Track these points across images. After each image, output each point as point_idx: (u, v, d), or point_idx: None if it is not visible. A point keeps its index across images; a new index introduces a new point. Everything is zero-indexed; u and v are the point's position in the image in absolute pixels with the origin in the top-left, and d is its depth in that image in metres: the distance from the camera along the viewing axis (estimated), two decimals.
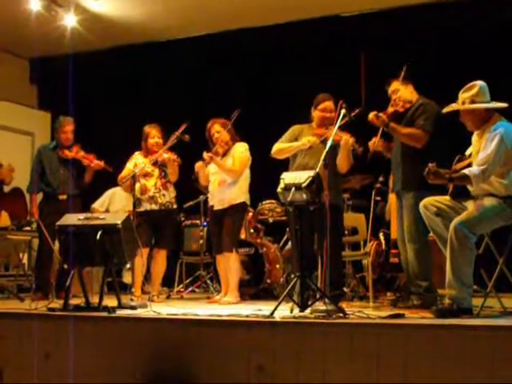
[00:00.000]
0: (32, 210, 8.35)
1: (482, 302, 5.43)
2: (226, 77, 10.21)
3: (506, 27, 8.73)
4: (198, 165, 7.50)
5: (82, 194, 8.41)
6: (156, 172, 7.80)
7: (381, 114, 6.27)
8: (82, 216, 6.25)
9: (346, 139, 6.39)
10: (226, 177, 7.47)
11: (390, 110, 6.44)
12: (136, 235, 6.37)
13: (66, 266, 6.22)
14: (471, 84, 5.54)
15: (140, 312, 5.85)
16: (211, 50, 10.21)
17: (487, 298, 5.53)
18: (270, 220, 9.00)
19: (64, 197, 8.20)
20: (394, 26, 9.40)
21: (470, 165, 5.54)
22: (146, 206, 7.70)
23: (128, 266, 6.66)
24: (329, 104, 6.69)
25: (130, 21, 10.01)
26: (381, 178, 8.08)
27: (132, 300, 7.00)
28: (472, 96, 5.49)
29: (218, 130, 7.54)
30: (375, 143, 6.43)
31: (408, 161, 6.30)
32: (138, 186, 7.61)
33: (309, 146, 6.52)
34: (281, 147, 6.74)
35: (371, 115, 6.25)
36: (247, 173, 7.57)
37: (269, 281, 8.29)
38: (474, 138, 5.66)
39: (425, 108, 6.30)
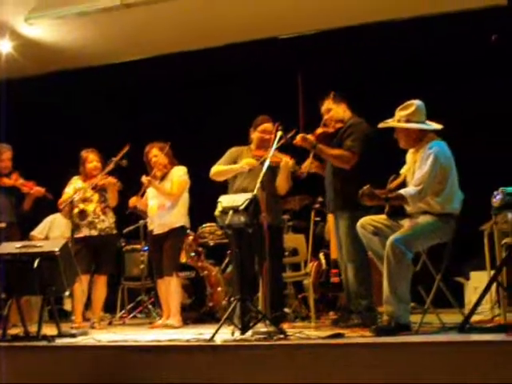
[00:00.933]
0: None
1: (421, 319, 5.49)
2: (162, 100, 10.20)
3: (442, 47, 8.90)
4: (132, 200, 7.47)
5: (21, 221, 8.30)
6: (95, 197, 7.74)
7: (308, 136, 6.27)
8: (19, 244, 6.20)
9: (286, 161, 6.43)
10: (164, 201, 7.44)
11: (319, 130, 6.45)
12: (75, 262, 6.31)
13: (3, 296, 6.13)
14: (409, 103, 5.61)
15: (80, 340, 5.79)
16: (147, 75, 10.20)
17: (426, 314, 5.59)
18: (211, 243, 8.98)
19: (2, 225, 8.07)
20: (332, 47, 9.50)
21: (403, 182, 5.62)
22: (86, 232, 7.63)
23: (68, 293, 6.59)
24: (268, 126, 6.70)
25: (65, 46, 9.93)
26: (319, 199, 8.10)
27: (72, 328, 6.95)
28: (408, 115, 5.56)
29: (155, 153, 7.52)
30: (307, 166, 6.45)
31: (340, 181, 6.33)
32: (77, 211, 7.58)
33: (248, 169, 6.53)
34: (220, 169, 6.74)
35: (298, 138, 6.25)
36: (186, 196, 7.56)
37: (211, 304, 8.25)
38: (409, 156, 5.73)
39: (354, 129, 6.33)
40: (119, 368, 5.03)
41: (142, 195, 7.50)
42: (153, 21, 9.20)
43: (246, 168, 6.54)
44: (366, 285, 6.22)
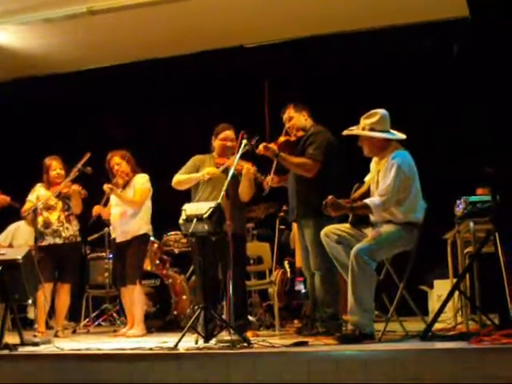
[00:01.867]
0: None
1: (384, 327, 5.51)
2: (127, 107, 10.17)
3: (405, 57, 8.98)
4: (96, 209, 7.43)
5: None
6: (59, 205, 7.71)
7: (270, 145, 6.28)
8: None
9: (248, 168, 6.41)
10: (126, 208, 7.43)
11: (281, 139, 6.47)
12: (37, 270, 6.28)
13: None
14: (373, 111, 5.64)
15: (43, 348, 5.75)
16: (112, 81, 10.16)
17: (389, 322, 5.62)
18: (176, 251, 8.97)
19: None
20: (297, 56, 9.54)
21: (367, 191, 5.65)
22: (50, 240, 7.60)
23: (30, 301, 6.55)
24: (229, 133, 6.71)
25: (29, 52, 9.86)
26: (284, 207, 8.08)
27: (35, 336, 6.90)
28: (372, 123, 5.59)
29: (117, 161, 7.50)
30: (268, 182, 6.45)
31: (303, 189, 6.34)
32: (41, 219, 7.54)
33: (208, 178, 6.53)
34: (180, 179, 6.70)
35: (260, 147, 6.25)
36: (148, 204, 7.54)
37: (175, 312, 8.22)
38: (372, 164, 5.77)
39: (315, 137, 6.35)
40: (82, 377, 4.99)
41: (105, 204, 7.48)
42: (119, 28, 9.18)
43: (206, 177, 6.52)
44: (331, 293, 6.24)
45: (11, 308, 6.12)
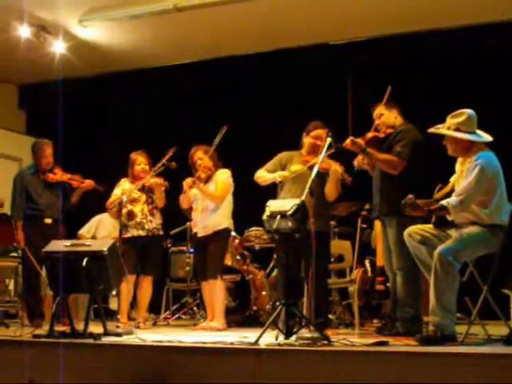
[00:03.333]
0: (18, 238, 8.06)
1: (466, 330, 5.44)
2: (213, 102, 10.24)
3: (494, 54, 8.83)
4: (188, 181, 7.36)
5: (68, 217, 8.29)
6: (143, 198, 7.80)
7: (357, 140, 6.27)
8: (68, 242, 6.27)
9: (336, 169, 6.42)
10: (208, 203, 7.48)
11: (369, 135, 6.45)
12: (122, 262, 6.38)
13: (51, 293, 6.23)
14: (461, 111, 5.55)
15: (125, 339, 5.84)
16: (198, 77, 10.27)
17: (471, 325, 5.55)
18: (257, 247, 8.98)
19: (49, 221, 8.06)
20: (382, 54, 9.48)
21: (451, 192, 5.57)
22: (133, 232, 7.69)
23: (114, 292, 6.65)
24: (321, 132, 6.70)
25: (117, 48, 10.07)
26: (367, 206, 8.06)
27: (118, 327, 7.01)
28: (458, 124, 5.51)
29: (200, 156, 7.56)
30: (359, 161, 6.47)
31: (387, 187, 6.32)
32: (125, 211, 7.63)
33: (279, 181, 6.61)
34: (259, 175, 6.82)
35: (348, 141, 6.25)
36: (230, 199, 7.58)
37: (255, 308, 8.28)
38: (458, 165, 5.69)
39: (403, 135, 6.33)
40: (163, 368, 5.06)
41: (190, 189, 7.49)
42: (205, 25, 9.27)
43: (277, 179, 6.61)
44: (413, 293, 6.19)
45: (95, 298, 6.25)
